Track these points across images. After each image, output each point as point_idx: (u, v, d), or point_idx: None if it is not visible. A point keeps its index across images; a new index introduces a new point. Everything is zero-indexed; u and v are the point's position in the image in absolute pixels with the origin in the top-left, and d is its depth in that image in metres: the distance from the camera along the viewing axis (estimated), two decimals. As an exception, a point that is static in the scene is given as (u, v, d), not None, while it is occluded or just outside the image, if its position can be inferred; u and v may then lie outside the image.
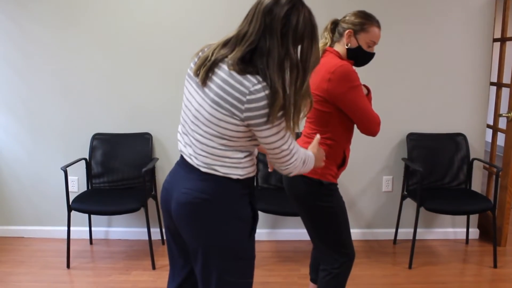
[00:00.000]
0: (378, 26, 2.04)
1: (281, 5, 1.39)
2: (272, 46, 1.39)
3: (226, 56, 1.45)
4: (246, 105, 1.39)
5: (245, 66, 1.41)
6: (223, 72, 1.44)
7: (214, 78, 1.45)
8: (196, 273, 1.61)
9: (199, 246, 1.53)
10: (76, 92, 3.46)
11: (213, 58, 1.46)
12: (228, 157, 1.49)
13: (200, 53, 1.54)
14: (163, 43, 3.40)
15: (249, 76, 1.40)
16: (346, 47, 2.04)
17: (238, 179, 1.51)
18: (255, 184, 3.36)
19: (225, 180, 1.50)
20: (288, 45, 1.40)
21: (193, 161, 1.54)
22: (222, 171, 1.50)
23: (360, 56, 2.06)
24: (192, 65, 1.55)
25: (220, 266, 1.53)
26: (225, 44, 1.47)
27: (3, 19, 3.37)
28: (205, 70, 1.46)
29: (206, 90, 1.47)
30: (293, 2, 1.41)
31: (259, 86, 1.39)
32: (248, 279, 1.59)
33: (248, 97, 1.39)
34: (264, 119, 1.40)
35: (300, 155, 1.54)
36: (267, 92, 1.39)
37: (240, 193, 1.54)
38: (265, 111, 1.39)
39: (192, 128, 1.53)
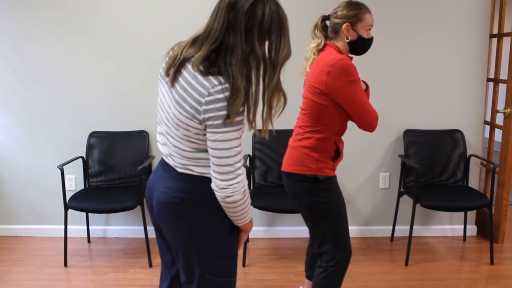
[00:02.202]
0: (369, 11, 2.06)
1: None
2: (236, 43, 1.35)
3: (193, 56, 1.42)
4: (204, 107, 1.36)
5: (209, 65, 1.38)
6: (187, 73, 1.42)
7: (180, 79, 1.44)
8: (179, 270, 1.62)
9: (180, 245, 1.53)
10: (73, 90, 3.46)
11: (181, 58, 1.44)
12: (201, 158, 1.48)
13: (171, 52, 1.52)
14: (160, 41, 3.39)
15: (210, 77, 1.37)
16: (347, 40, 2.05)
17: None
18: (251, 181, 3.37)
19: (202, 179, 1.49)
20: (253, 40, 1.36)
21: (170, 161, 1.55)
22: (197, 170, 1.49)
23: (362, 45, 2.08)
24: (163, 64, 1.53)
25: (201, 264, 1.52)
26: (193, 42, 1.44)
27: (0, 18, 3.39)
28: (174, 71, 1.44)
29: (173, 91, 1.46)
30: None
31: (219, 87, 1.35)
32: (230, 278, 1.58)
33: (206, 98, 1.36)
34: (220, 121, 1.36)
35: (244, 182, 1.44)
36: (226, 94, 1.35)
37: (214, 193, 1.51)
38: (223, 113, 1.35)
39: (165, 130, 1.53)
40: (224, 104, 1.35)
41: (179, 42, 1.53)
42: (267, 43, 1.41)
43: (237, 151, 1.41)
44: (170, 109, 1.47)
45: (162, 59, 1.56)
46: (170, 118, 1.48)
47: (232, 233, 1.56)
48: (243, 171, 1.45)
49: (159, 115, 1.57)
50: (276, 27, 1.39)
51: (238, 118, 1.37)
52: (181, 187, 1.50)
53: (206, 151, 1.46)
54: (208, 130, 1.39)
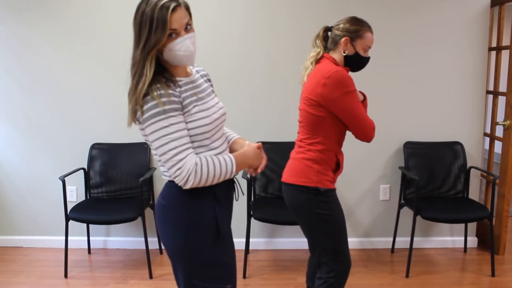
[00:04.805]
0: (371, 30, 2.08)
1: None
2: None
3: None
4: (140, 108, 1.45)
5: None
6: None
7: None
8: None
9: (166, 249, 1.61)
10: (74, 101, 3.49)
11: None
12: None
13: None
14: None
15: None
16: (344, 54, 2.07)
17: None
18: (252, 193, 3.37)
19: (175, 186, 1.53)
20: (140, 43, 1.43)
21: None
22: (167, 174, 1.57)
23: (357, 62, 2.09)
24: None
25: (184, 269, 1.57)
26: None
27: (2, 29, 3.41)
28: None
29: None
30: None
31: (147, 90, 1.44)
32: (223, 285, 1.60)
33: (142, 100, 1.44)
34: (141, 118, 1.45)
35: (188, 164, 1.42)
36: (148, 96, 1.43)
37: (195, 201, 1.54)
38: (137, 110, 1.45)
39: None
40: (134, 103, 1.45)
41: None
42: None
43: (169, 138, 1.42)
44: None
45: None
46: None
47: (217, 241, 1.58)
48: (184, 155, 1.43)
49: None
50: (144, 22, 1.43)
51: (152, 111, 1.42)
52: (164, 194, 1.59)
53: None
54: (139, 128, 1.49)
